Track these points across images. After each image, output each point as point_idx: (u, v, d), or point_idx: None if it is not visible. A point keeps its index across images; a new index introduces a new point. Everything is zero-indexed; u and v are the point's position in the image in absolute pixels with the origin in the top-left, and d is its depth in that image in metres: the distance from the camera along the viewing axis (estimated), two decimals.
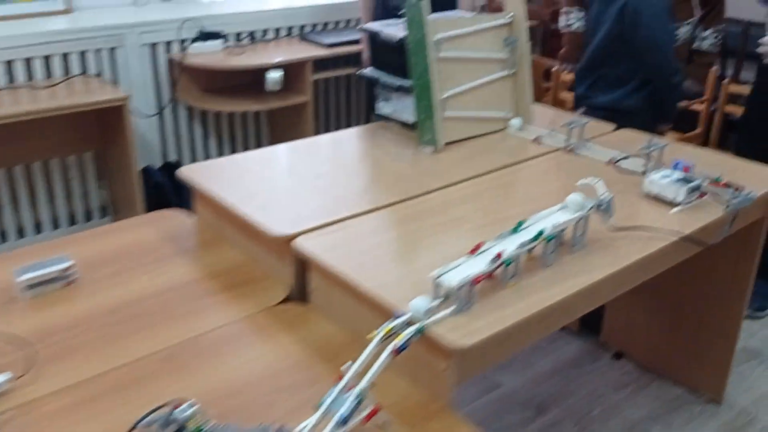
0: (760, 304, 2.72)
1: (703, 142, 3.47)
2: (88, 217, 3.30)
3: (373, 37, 2.20)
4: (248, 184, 1.81)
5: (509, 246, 1.34)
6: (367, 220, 1.63)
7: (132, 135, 2.80)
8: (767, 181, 1.86)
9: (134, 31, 3.07)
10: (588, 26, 2.59)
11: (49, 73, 2.93)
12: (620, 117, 2.32)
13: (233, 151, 3.64)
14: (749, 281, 2.06)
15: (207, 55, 3.20)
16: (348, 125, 3.95)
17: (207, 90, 3.32)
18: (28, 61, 2.88)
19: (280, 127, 3.61)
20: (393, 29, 2.14)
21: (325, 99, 3.87)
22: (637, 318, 2.40)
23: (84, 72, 3.01)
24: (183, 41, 3.20)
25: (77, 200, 3.23)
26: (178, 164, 3.26)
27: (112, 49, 3.06)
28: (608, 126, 2.26)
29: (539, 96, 3.41)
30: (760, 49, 2.48)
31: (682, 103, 3.32)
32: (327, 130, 3.90)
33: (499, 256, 1.31)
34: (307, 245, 1.51)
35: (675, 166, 1.87)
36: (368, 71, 2.27)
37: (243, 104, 3.23)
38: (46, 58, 2.92)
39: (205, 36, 3.21)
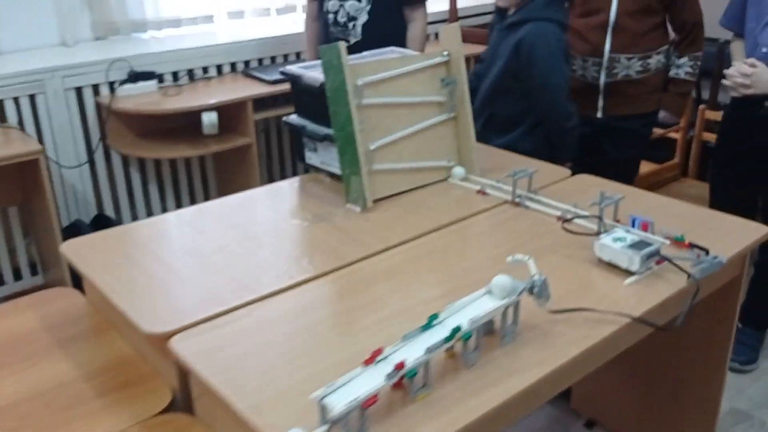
0: (748, 357, 2.47)
1: (682, 171, 3.24)
2: (18, 276, 3.04)
3: (295, 81, 1.96)
4: (134, 263, 1.55)
5: (414, 351, 1.09)
6: (264, 308, 1.37)
7: (49, 189, 2.54)
8: (742, 236, 1.61)
9: (56, 75, 2.83)
10: (485, 58, 2.41)
11: None
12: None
13: (178, 201, 3.39)
14: (729, 339, 1.80)
15: (138, 97, 2.96)
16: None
17: (141, 135, 3.08)
18: None
19: (227, 173, 3.37)
20: (316, 72, 1.89)
21: (277, 141, 3.62)
22: (608, 383, 2.15)
23: (4, 122, 2.77)
24: (112, 83, 2.96)
25: (4, 257, 2.97)
26: (109, 218, 3.00)
27: (32, 96, 2.81)
28: (563, 171, 2.02)
29: None
30: (725, 82, 2.25)
31: (658, 131, 3.09)
32: (278, 173, 3.66)
33: (400, 366, 1.05)
34: (183, 347, 1.25)
35: (632, 223, 1.63)
36: (293, 118, 2.02)
37: (179, 150, 2.98)
38: None
39: (136, 77, 2.97)
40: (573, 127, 2.32)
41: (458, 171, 1.96)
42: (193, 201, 3.43)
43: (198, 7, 3.48)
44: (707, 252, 1.49)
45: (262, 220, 1.77)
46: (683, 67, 2.53)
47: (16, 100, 2.78)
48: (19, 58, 2.90)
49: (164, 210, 3.33)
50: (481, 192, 1.87)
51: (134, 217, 3.24)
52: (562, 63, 2.24)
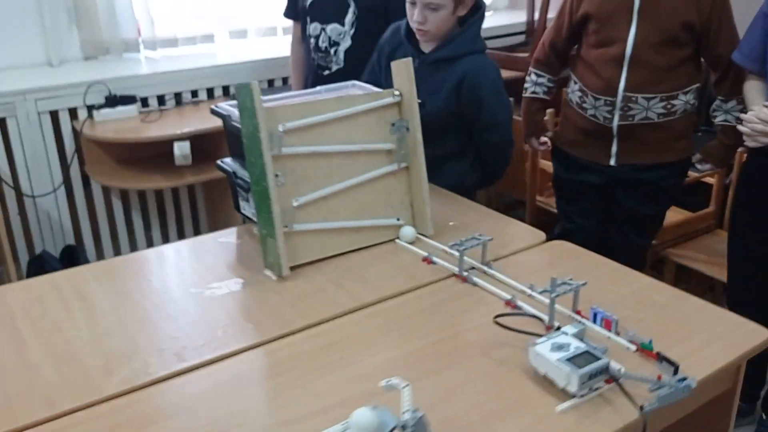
0: None
1: (717, 222, 2.82)
2: None
3: (225, 121, 1.71)
4: None
5: None
6: (93, 420, 1.12)
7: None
8: (736, 342, 1.26)
9: (28, 98, 2.68)
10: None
11: None
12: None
13: (164, 232, 3.20)
14: None
15: (117, 123, 2.78)
16: None
17: (121, 162, 2.90)
18: None
19: (216, 203, 3.16)
20: None
21: None
22: None
23: None
24: (90, 107, 2.79)
25: None
26: (76, 250, 2.83)
27: (2, 120, 2.67)
28: (535, 235, 1.69)
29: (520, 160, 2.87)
30: (742, 128, 1.87)
31: (693, 175, 2.69)
32: None
33: None
34: None
35: (593, 318, 1.30)
36: (227, 161, 1.78)
37: (154, 180, 2.78)
38: None
39: (114, 101, 2.79)
40: (512, 152, 2.19)
41: (407, 231, 1.66)
42: (181, 233, 3.23)
43: (197, 26, 3.30)
44: (676, 369, 1.15)
45: (164, 285, 1.51)
46: (731, 112, 2.13)
47: None
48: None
49: (149, 243, 3.15)
50: (427, 260, 1.57)
51: (116, 251, 3.07)
52: (506, 95, 2.07)
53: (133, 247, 3.10)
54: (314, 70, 2.59)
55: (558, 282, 1.32)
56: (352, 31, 2.48)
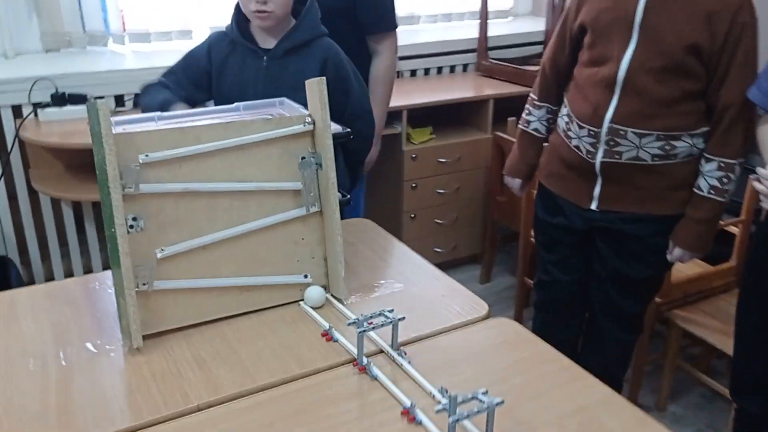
0: None
1: (738, 280, 2.40)
2: None
3: None
4: None
5: None
6: None
7: None
8: None
9: None
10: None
11: None
12: None
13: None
14: None
15: (65, 123, 2.50)
16: None
17: (69, 168, 2.62)
18: None
19: None
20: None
21: None
22: None
23: None
24: (35, 105, 2.53)
25: None
26: (8, 262, 2.56)
27: None
28: (479, 308, 1.34)
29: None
30: (757, 186, 1.47)
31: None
32: None
33: None
34: None
35: None
36: None
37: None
38: None
39: (62, 100, 2.51)
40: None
41: (313, 294, 1.32)
42: None
43: (173, 21, 3.01)
44: None
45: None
46: (709, 177, 1.68)
47: None
48: None
49: (105, 262, 2.87)
50: (327, 335, 1.23)
51: (67, 268, 2.80)
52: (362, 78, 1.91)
53: (87, 263, 2.83)
54: None
55: (466, 396, 0.96)
56: None
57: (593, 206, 1.80)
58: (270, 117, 1.30)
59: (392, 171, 2.85)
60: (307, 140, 1.32)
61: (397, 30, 2.27)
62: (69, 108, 2.53)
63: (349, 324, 1.18)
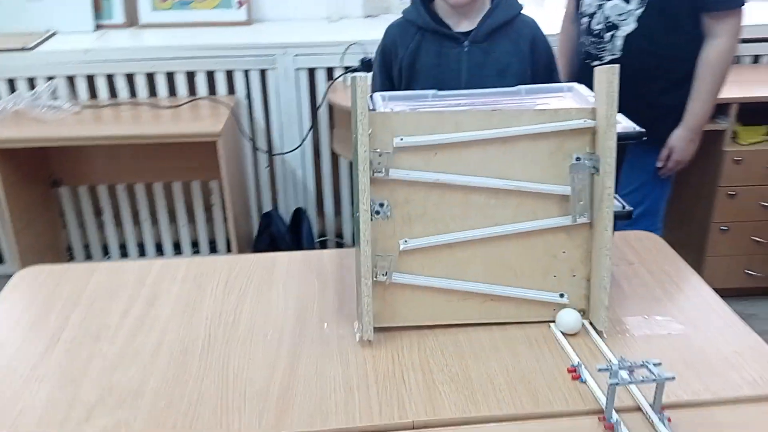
0: None
1: None
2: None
3: None
4: None
5: None
6: None
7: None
8: None
9: (288, 53, 2.61)
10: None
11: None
12: None
13: None
14: None
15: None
16: None
17: None
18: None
19: None
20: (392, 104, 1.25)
21: None
22: None
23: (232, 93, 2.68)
24: (346, 69, 2.63)
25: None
26: (301, 213, 2.74)
27: (263, 72, 2.66)
28: None
29: None
30: None
31: None
32: None
33: None
34: None
35: None
36: None
37: None
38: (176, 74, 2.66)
39: (369, 65, 2.58)
40: None
41: (568, 318, 1.13)
42: None
43: None
44: None
45: (233, 314, 1.24)
46: None
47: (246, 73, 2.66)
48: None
49: None
50: (574, 372, 1.04)
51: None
52: None
53: None
54: (582, 58, 2.03)
55: None
56: (640, 11, 1.86)
57: None
58: (545, 108, 1.12)
59: (706, 174, 2.44)
60: (586, 138, 1.11)
61: (743, 8, 1.87)
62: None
63: (599, 370, 0.97)
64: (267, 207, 2.88)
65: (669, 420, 0.94)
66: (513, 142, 1.11)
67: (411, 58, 1.64)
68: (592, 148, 1.11)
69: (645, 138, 1.16)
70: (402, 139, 1.09)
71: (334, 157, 2.82)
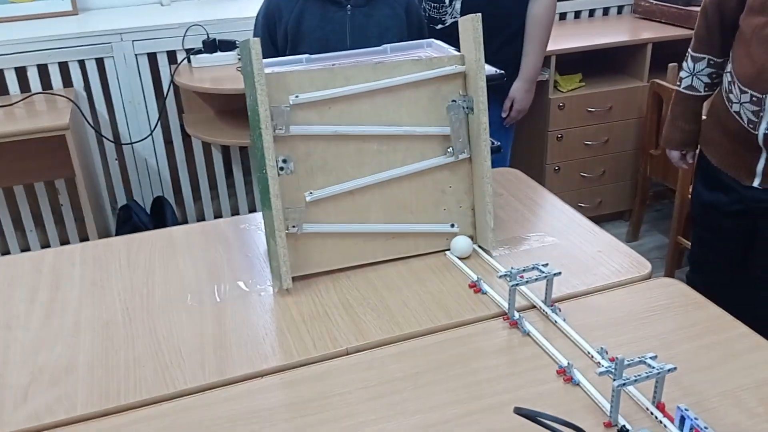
0: None
1: None
2: None
3: None
4: None
5: None
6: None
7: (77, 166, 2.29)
8: None
9: (125, 39, 2.54)
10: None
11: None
12: None
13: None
14: None
15: (213, 70, 2.58)
16: None
17: (220, 113, 2.71)
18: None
19: None
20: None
21: None
22: None
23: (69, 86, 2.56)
24: (188, 51, 2.61)
25: None
26: (163, 201, 2.70)
27: (99, 60, 2.57)
28: (640, 266, 1.24)
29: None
30: None
31: None
32: None
33: None
34: None
35: (679, 423, 0.87)
36: None
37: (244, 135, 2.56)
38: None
39: (212, 46, 2.59)
40: None
41: (461, 244, 1.27)
42: None
43: None
44: None
45: (149, 280, 1.26)
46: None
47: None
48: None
49: (252, 205, 2.98)
50: (475, 287, 1.18)
51: (216, 209, 2.93)
52: None
53: (234, 205, 2.95)
54: (426, 23, 2.19)
55: (632, 360, 0.89)
56: None
57: (756, 183, 1.58)
58: (419, 58, 1.24)
59: (537, 120, 2.72)
60: (459, 82, 1.25)
61: None
62: (219, 54, 2.60)
63: (500, 276, 1.12)
64: (121, 201, 2.80)
65: (560, 310, 1.11)
66: (397, 91, 1.22)
67: (296, 22, 1.71)
68: (464, 91, 1.25)
69: (505, 79, 1.32)
70: (297, 96, 1.16)
71: (187, 143, 2.80)
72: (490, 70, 1.33)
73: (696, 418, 0.84)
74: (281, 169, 1.18)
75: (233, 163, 2.89)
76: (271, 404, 0.95)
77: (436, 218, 1.29)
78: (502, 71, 1.33)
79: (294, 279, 1.20)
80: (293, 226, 1.20)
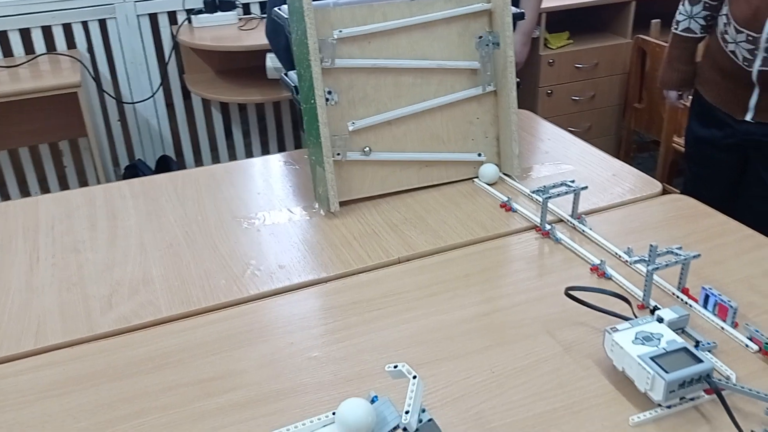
0: None
1: None
2: None
3: (285, 27, 1.48)
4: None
5: None
6: (73, 361, 0.98)
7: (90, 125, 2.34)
8: None
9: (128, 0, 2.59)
10: None
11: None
12: None
13: (264, 146, 3.08)
14: None
15: (214, 29, 2.64)
16: None
17: (219, 72, 2.77)
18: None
19: None
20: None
21: None
22: None
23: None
24: (189, 12, 2.67)
25: None
26: (168, 160, 2.77)
27: (102, 21, 2.61)
28: (652, 186, 1.36)
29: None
30: None
31: None
32: None
33: None
34: None
35: (703, 301, 0.99)
36: (291, 75, 1.56)
37: (248, 93, 2.63)
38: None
39: (213, 6, 2.64)
40: None
41: (488, 170, 1.38)
42: (282, 146, 3.11)
43: None
44: None
45: (203, 210, 1.35)
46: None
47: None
48: None
49: (249, 155, 3.05)
50: (505, 206, 1.30)
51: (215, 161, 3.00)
52: None
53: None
54: None
55: (661, 251, 1.01)
56: None
57: (748, 117, 1.71)
58: None
59: (528, 77, 2.84)
60: (485, 19, 1.35)
61: None
62: (219, 14, 2.66)
63: (532, 191, 1.24)
64: (123, 162, 2.85)
65: (586, 221, 1.23)
66: (430, 27, 1.32)
67: None
68: (491, 27, 1.35)
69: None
70: (341, 31, 1.25)
71: (188, 104, 2.85)
72: (513, 9, 1.43)
73: (719, 295, 0.97)
74: (326, 100, 1.27)
75: (233, 123, 2.96)
76: (339, 303, 1.06)
77: (465, 148, 1.40)
78: (522, 10, 1.44)
79: (339, 204, 1.30)
80: (338, 154, 1.29)
